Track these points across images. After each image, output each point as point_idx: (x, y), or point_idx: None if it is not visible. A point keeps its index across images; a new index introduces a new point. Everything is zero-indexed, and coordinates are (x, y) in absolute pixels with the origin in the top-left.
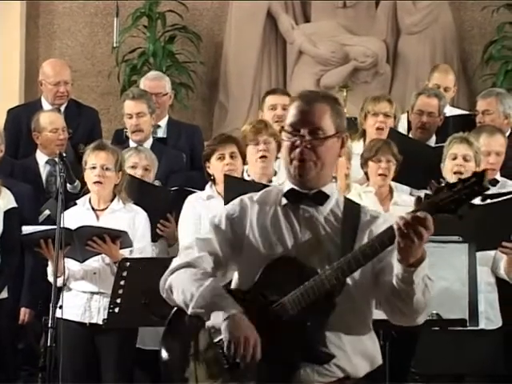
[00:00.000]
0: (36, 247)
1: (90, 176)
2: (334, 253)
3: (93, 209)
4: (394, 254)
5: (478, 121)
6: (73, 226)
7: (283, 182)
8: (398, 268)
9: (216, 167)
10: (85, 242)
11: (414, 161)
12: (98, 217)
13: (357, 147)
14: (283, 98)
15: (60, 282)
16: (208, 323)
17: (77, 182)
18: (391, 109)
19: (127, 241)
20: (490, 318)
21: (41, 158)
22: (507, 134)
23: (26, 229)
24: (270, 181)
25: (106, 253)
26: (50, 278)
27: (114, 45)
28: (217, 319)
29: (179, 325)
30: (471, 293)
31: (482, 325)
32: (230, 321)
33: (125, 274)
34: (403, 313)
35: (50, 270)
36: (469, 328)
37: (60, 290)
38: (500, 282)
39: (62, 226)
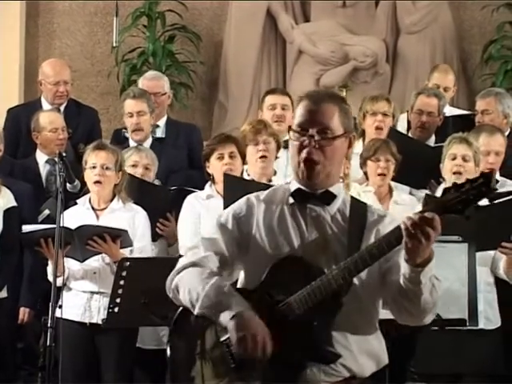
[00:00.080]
0: (36, 246)
1: (90, 176)
2: (341, 252)
3: (93, 208)
4: (401, 254)
5: (477, 121)
6: (73, 226)
7: (290, 180)
8: (405, 268)
9: (215, 167)
10: (85, 241)
11: (414, 160)
12: (97, 216)
13: (356, 147)
14: (283, 97)
15: (60, 281)
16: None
17: (76, 182)
18: (390, 108)
19: (127, 240)
20: (489, 317)
21: (40, 157)
22: (506, 133)
23: (26, 228)
24: (270, 180)
25: (107, 252)
26: (50, 278)
27: (114, 44)
28: (225, 319)
29: (185, 324)
30: (471, 292)
31: (482, 324)
32: (238, 319)
33: (124, 273)
34: (410, 313)
35: (49, 269)
36: (468, 328)
37: (60, 289)
38: (499, 282)
39: (61, 225)
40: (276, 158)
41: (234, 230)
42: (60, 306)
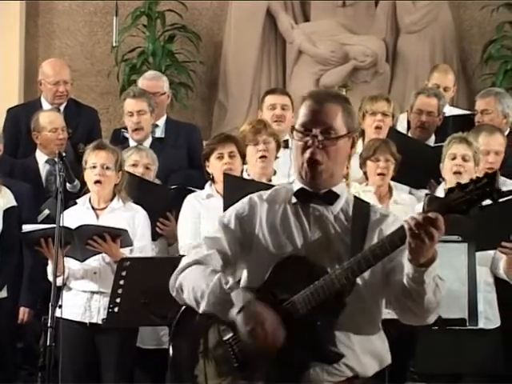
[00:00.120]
0: (36, 246)
1: (90, 175)
2: (344, 252)
3: (93, 208)
4: (405, 254)
5: (477, 120)
6: (73, 226)
7: (293, 180)
8: (408, 268)
9: (215, 166)
10: (85, 240)
11: (414, 160)
12: (97, 216)
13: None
14: (282, 97)
15: (60, 281)
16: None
17: (76, 182)
18: (389, 108)
19: (127, 239)
20: (488, 317)
21: (40, 157)
22: (506, 133)
23: (26, 227)
24: (270, 180)
25: (107, 252)
26: (50, 278)
27: (114, 44)
28: (233, 313)
29: (188, 323)
30: (470, 292)
31: (481, 324)
32: (246, 311)
33: (124, 273)
34: (414, 312)
35: (49, 269)
36: (468, 327)
37: (59, 289)
38: (499, 281)
39: (61, 225)
40: (276, 157)
41: (236, 229)
42: (60, 306)
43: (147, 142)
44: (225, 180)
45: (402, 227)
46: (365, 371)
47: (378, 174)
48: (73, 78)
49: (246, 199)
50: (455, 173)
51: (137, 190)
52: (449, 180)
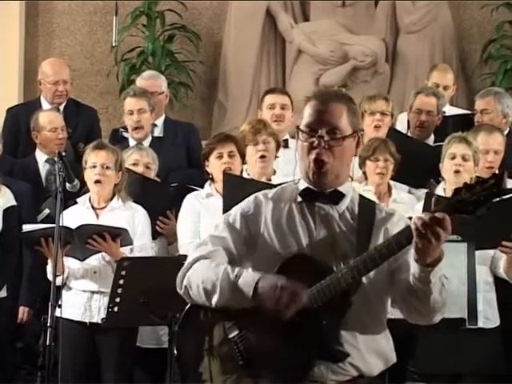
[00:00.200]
0: (36, 246)
1: (90, 175)
2: (350, 250)
3: (93, 207)
4: (411, 253)
5: (476, 120)
6: (73, 225)
7: (299, 179)
8: (414, 267)
9: (214, 166)
10: (85, 240)
11: (413, 160)
12: (97, 215)
13: None
14: (282, 97)
15: (59, 280)
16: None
17: (76, 181)
18: (388, 107)
19: (127, 238)
20: (488, 316)
21: (40, 157)
22: (505, 133)
23: (27, 227)
24: (269, 180)
25: (107, 251)
26: (50, 277)
27: (113, 44)
28: (249, 289)
29: (193, 321)
30: (470, 292)
31: (481, 324)
32: (262, 281)
33: (124, 273)
34: (420, 312)
35: (49, 268)
36: (467, 327)
37: (59, 288)
38: (498, 281)
39: (61, 224)
40: (276, 157)
41: (242, 229)
42: (60, 306)
43: (147, 141)
44: (225, 179)
45: (408, 227)
46: (370, 370)
47: (378, 174)
48: (72, 78)
49: (251, 198)
50: (455, 172)
51: (137, 188)
52: (448, 179)
